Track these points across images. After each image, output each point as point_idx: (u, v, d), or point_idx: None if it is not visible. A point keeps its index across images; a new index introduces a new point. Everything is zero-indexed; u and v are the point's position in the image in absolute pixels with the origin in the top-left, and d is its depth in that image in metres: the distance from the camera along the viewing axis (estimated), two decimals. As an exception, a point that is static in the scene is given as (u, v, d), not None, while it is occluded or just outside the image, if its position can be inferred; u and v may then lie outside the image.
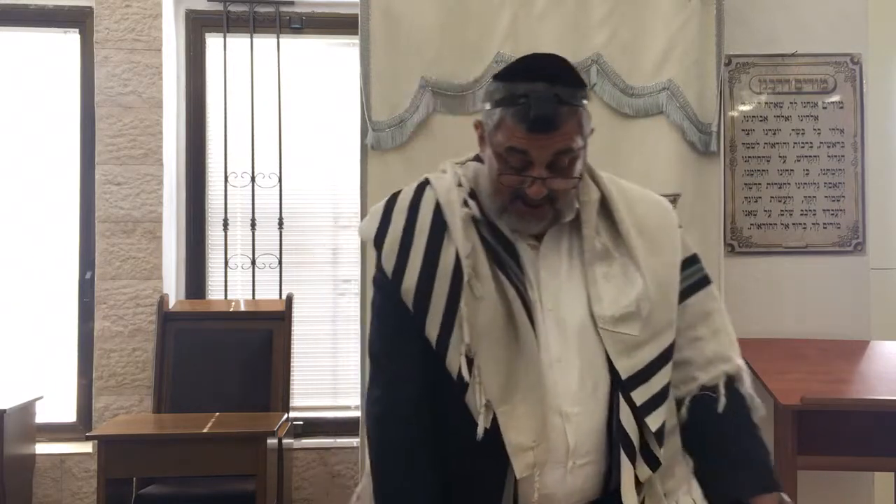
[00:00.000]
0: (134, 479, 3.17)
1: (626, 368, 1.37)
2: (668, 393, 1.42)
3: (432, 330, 1.35)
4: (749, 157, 3.25)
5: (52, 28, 3.83)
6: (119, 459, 2.89)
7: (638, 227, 1.45)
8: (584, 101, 1.38)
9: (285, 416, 3.26)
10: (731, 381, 1.49)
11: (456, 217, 1.38)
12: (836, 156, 3.25)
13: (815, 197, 3.24)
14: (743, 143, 3.25)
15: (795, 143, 3.25)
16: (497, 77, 1.39)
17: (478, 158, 1.47)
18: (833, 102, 3.25)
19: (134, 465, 2.95)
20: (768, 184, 3.24)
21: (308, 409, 3.79)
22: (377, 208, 1.46)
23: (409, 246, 1.38)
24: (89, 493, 3.54)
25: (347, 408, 3.77)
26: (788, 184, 3.24)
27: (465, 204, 1.40)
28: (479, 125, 1.43)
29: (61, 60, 3.84)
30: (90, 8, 3.73)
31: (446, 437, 1.38)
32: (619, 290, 1.39)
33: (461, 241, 1.36)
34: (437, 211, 1.39)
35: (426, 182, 1.45)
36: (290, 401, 3.51)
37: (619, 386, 1.36)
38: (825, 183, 3.24)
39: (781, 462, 2.88)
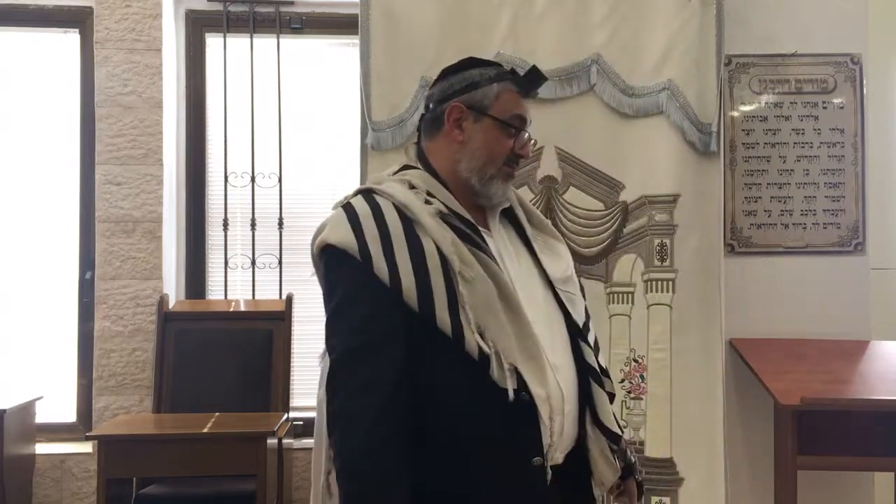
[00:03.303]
0: (134, 479, 3.17)
1: (578, 318, 1.61)
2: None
3: (444, 322, 1.43)
4: (749, 157, 3.25)
5: (52, 28, 3.83)
6: (119, 459, 2.89)
7: (541, 217, 1.75)
8: None
9: (285, 416, 3.26)
10: None
11: (425, 213, 1.48)
12: (836, 156, 3.24)
13: (815, 197, 3.24)
14: (743, 143, 3.24)
15: (795, 143, 3.25)
16: (466, 66, 1.62)
17: (405, 168, 1.61)
18: (833, 102, 3.25)
19: (134, 465, 2.95)
20: (768, 184, 3.24)
21: (308, 409, 3.77)
22: (339, 218, 1.48)
23: (392, 249, 1.44)
24: (89, 493, 3.55)
25: (347, 408, 3.77)
26: (788, 184, 3.24)
27: (427, 202, 1.50)
28: (457, 109, 1.58)
29: (61, 60, 3.85)
30: (90, 8, 3.74)
31: (469, 419, 1.44)
32: (554, 260, 1.65)
33: (439, 233, 1.47)
34: (399, 213, 1.48)
35: (370, 191, 1.53)
36: (290, 401, 3.51)
37: (577, 334, 1.59)
38: (825, 183, 3.24)
39: (781, 462, 2.88)
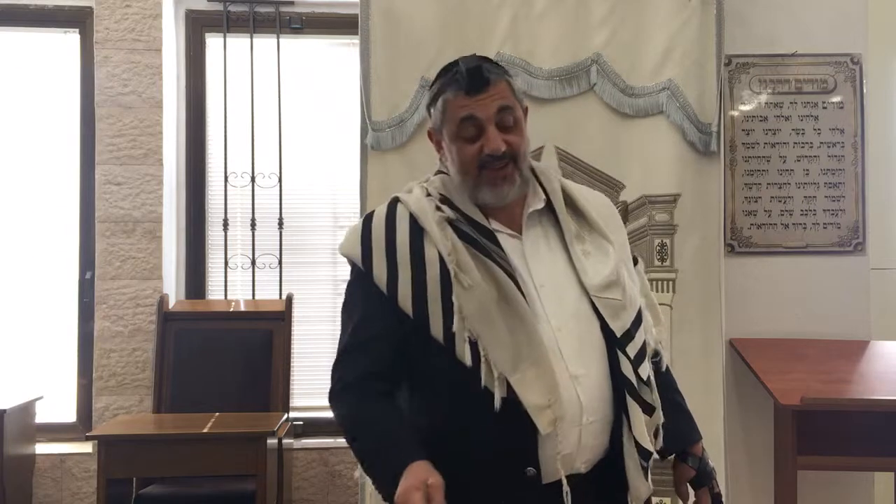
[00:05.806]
0: (134, 479, 3.17)
1: (618, 328, 1.53)
2: (648, 348, 1.60)
3: (436, 329, 1.47)
4: (749, 157, 3.25)
5: (52, 28, 3.83)
6: (119, 459, 2.89)
7: (595, 212, 1.64)
8: (509, 77, 1.57)
9: (285, 416, 3.27)
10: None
11: (431, 221, 1.52)
12: (836, 156, 3.24)
13: (815, 197, 3.24)
14: (743, 143, 3.24)
15: (795, 143, 3.25)
16: (431, 84, 1.61)
17: (440, 172, 1.64)
18: (833, 102, 3.24)
19: (134, 465, 2.95)
20: (768, 184, 3.24)
21: (308, 409, 3.79)
22: (355, 228, 1.59)
23: (395, 258, 1.52)
24: (89, 493, 3.55)
25: (347, 408, 3.77)
26: (788, 184, 3.24)
27: (438, 209, 1.54)
28: (431, 133, 1.63)
29: (61, 60, 3.85)
30: (90, 8, 3.74)
31: (469, 423, 1.47)
32: (598, 263, 1.57)
33: (440, 241, 1.50)
34: (413, 221, 1.54)
35: (396, 199, 1.60)
36: (290, 401, 3.51)
37: (616, 344, 1.52)
38: (825, 183, 3.24)
39: (781, 462, 2.88)
